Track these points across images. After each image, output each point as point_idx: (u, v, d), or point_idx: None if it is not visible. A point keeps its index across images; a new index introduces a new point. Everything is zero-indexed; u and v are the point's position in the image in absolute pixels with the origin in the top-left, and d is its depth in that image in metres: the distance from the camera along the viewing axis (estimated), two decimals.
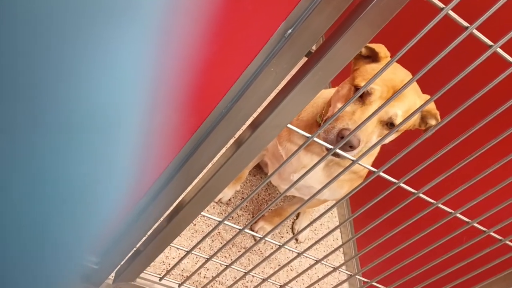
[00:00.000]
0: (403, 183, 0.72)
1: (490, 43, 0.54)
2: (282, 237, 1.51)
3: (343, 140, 0.65)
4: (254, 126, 0.62)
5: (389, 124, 0.93)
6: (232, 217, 1.41)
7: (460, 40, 0.52)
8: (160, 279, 0.97)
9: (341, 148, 0.83)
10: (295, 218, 1.61)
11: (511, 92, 0.60)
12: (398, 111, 0.91)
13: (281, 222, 0.80)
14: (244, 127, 0.64)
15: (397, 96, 0.59)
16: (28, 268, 0.30)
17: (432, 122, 0.98)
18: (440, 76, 1.02)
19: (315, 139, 0.64)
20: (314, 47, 0.98)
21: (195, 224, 1.27)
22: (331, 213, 1.76)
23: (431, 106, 0.96)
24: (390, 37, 1.06)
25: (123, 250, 0.86)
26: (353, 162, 0.67)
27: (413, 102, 0.93)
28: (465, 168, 0.71)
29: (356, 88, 0.92)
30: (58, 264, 0.34)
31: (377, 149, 1.13)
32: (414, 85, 0.95)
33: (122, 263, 0.92)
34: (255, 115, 0.63)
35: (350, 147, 0.86)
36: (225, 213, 1.38)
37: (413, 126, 0.99)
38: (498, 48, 0.54)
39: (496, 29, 0.59)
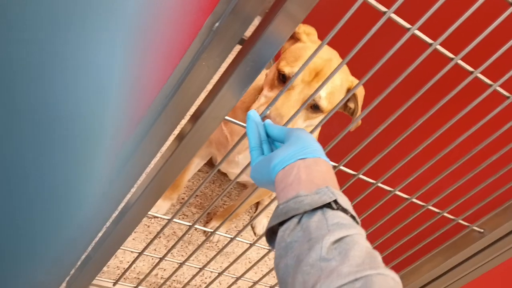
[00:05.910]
0: (343, 166, 0.75)
1: (408, 26, 0.57)
2: (239, 230, 1.52)
3: None
4: (195, 118, 0.62)
5: (313, 107, 0.88)
6: (187, 216, 1.40)
7: (380, 24, 0.55)
8: (114, 283, 0.95)
9: None
10: (253, 212, 1.62)
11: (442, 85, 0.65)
12: (322, 92, 0.86)
13: (231, 213, 0.81)
14: (183, 121, 0.64)
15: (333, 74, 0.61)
16: None
17: (351, 104, 0.94)
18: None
19: None
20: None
21: (148, 226, 1.26)
22: None
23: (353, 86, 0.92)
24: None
25: (72, 257, 0.84)
26: None
27: (338, 83, 0.88)
28: (399, 149, 0.75)
29: (279, 73, 0.87)
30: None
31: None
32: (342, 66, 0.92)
33: (72, 271, 0.90)
34: (194, 109, 0.64)
35: None
36: (179, 213, 1.37)
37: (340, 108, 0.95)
38: (416, 30, 0.58)
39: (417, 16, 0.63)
